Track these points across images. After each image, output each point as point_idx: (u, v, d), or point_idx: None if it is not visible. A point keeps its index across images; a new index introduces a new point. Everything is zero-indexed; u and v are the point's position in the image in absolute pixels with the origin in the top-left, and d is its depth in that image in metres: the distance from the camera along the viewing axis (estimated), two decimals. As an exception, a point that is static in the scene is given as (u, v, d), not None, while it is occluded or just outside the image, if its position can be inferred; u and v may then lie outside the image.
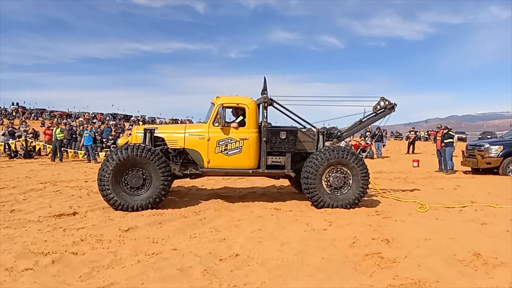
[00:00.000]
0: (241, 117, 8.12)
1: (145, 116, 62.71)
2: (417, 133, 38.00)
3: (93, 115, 55.50)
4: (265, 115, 8.11)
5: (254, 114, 8.10)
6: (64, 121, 43.32)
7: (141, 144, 7.68)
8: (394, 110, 9.06)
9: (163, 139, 8.09)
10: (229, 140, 7.91)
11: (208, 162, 7.96)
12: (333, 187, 7.89)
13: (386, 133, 29.62)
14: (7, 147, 18.43)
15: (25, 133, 20.80)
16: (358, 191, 7.84)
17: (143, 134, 8.03)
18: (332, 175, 7.88)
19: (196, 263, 4.68)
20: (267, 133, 7.96)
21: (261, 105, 8.22)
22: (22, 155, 18.21)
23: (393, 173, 14.31)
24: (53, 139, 17.65)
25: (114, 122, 45.48)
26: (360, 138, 23.30)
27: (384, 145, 24.25)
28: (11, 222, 6.43)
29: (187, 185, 10.43)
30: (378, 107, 8.99)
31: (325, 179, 7.88)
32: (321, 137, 8.39)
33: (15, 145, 18.79)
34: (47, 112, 55.11)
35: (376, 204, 8.37)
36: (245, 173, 8.33)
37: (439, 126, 17.28)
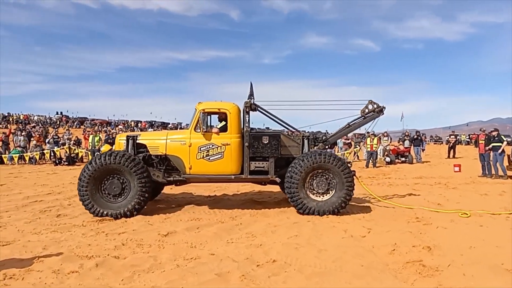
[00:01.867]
0: (223, 122, 8.06)
1: (182, 123, 63.72)
2: (458, 137, 36.66)
3: (133, 123, 56.95)
4: (247, 120, 8.02)
5: (236, 119, 7.99)
6: (104, 128, 44.79)
7: (117, 151, 7.69)
8: (383, 113, 8.79)
9: (145, 146, 8.08)
10: (211, 146, 7.82)
11: (190, 168, 7.85)
12: (316, 192, 7.74)
13: (425, 137, 28.73)
14: (52, 154, 19.31)
15: (68, 141, 21.68)
16: (343, 196, 7.63)
17: (125, 141, 8.07)
18: (316, 179, 7.73)
19: (234, 269, 4.72)
20: (249, 138, 7.87)
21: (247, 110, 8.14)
22: (66, 162, 18.99)
23: (433, 178, 13.86)
24: (90, 147, 18.31)
25: (152, 130, 46.56)
26: (399, 142, 22.71)
27: (423, 150, 23.55)
28: (57, 226, 6.74)
29: (222, 190, 10.54)
30: (366, 110, 8.74)
31: (308, 184, 7.74)
32: (306, 141, 8.26)
33: (59, 152, 19.64)
34: (88, 120, 57.09)
35: (416, 210, 8.13)
36: (227, 179, 8.15)
37: (482, 129, 16.58)
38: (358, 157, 22.03)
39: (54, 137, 21.63)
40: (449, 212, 7.88)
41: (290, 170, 7.71)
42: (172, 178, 8.03)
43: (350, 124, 8.93)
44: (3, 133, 23.50)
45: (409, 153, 20.96)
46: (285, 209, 8.23)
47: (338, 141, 22.21)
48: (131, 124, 55.26)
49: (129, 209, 7.35)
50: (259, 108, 8.23)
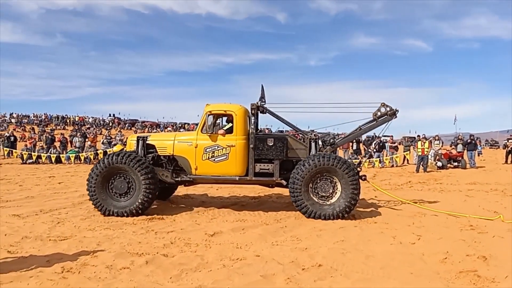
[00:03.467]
0: (230, 124, 8.06)
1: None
2: (517, 141, 34.50)
3: (180, 125, 58.42)
4: (253, 122, 8.01)
5: (242, 121, 7.97)
6: (154, 130, 46.29)
7: (125, 151, 7.86)
8: (396, 117, 8.46)
9: (154, 147, 8.21)
10: (216, 147, 7.83)
11: (196, 169, 7.92)
12: (320, 196, 7.56)
13: (480, 141, 27.29)
14: (105, 154, 20.22)
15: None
16: (348, 200, 7.40)
17: (136, 142, 8.22)
18: (320, 183, 7.56)
19: (279, 271, 4.72)
20: (254, 140, 7.81)
21: (257, 112, 8.15)
22: (118, 162, 19.77)
23: (489, 185, 13.13)
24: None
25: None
26: (451, 146, 21.71)
27: (480, 154, 22.31)
28: (110, 223, 7.05)
29: (267, 192, 10.57)
30: (379, 113, 8.43)
31: (312, 187, 7.57)
32: (313, 144, 8.09)
33: (112, 153, 20.52)
34: (139, 122, 59.23)
35: (469, 218, 7.74)
36: (232, 180, 8.12)
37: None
38: (408, 161, 21.34)
39: (107, 137, 22.63)
40: (492, 219, 7.46)
41: (294, 172, 7.65)
42: (179, 179, 8.14)
43: (361, 127, 8.75)
44: (61, 134, 24.92)
45: (462, 157, 20.01)
46: (331, 213, 8.11)
47: (387, 144, 21.64)
48: (179, 126, 56.70)
49: (135, 207, 7.51)
50: (267, 110, 8.29)
